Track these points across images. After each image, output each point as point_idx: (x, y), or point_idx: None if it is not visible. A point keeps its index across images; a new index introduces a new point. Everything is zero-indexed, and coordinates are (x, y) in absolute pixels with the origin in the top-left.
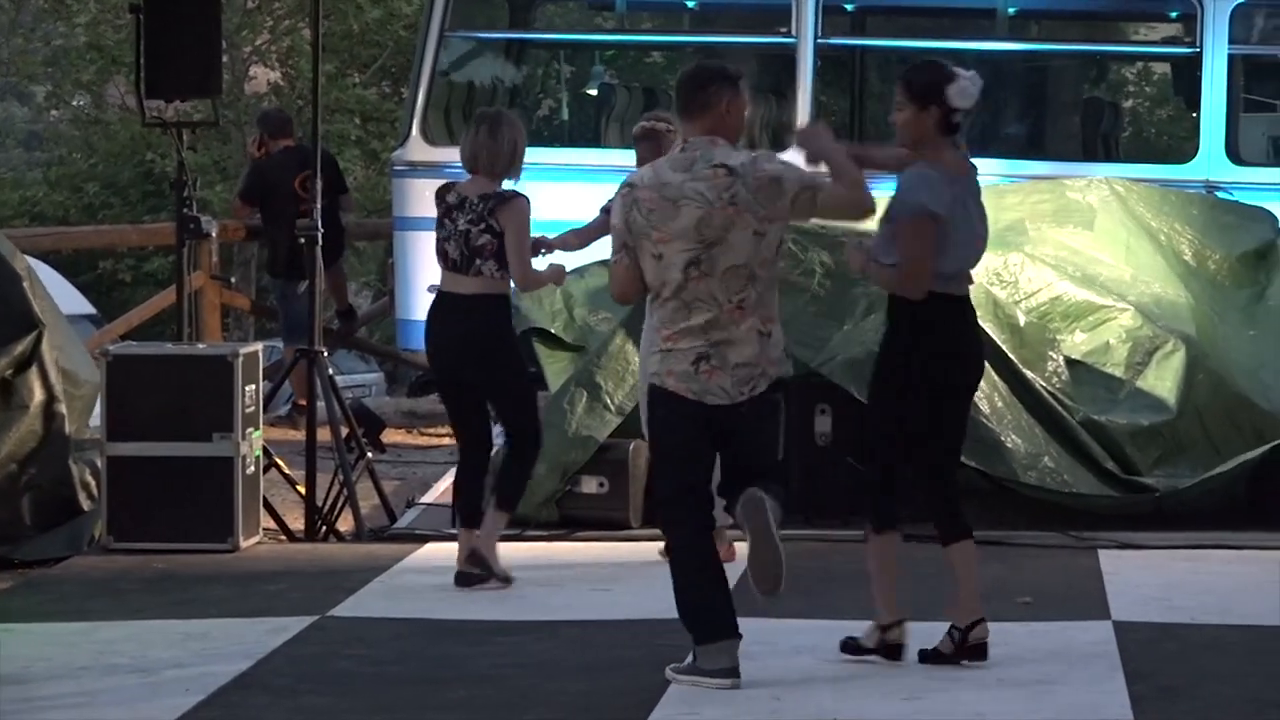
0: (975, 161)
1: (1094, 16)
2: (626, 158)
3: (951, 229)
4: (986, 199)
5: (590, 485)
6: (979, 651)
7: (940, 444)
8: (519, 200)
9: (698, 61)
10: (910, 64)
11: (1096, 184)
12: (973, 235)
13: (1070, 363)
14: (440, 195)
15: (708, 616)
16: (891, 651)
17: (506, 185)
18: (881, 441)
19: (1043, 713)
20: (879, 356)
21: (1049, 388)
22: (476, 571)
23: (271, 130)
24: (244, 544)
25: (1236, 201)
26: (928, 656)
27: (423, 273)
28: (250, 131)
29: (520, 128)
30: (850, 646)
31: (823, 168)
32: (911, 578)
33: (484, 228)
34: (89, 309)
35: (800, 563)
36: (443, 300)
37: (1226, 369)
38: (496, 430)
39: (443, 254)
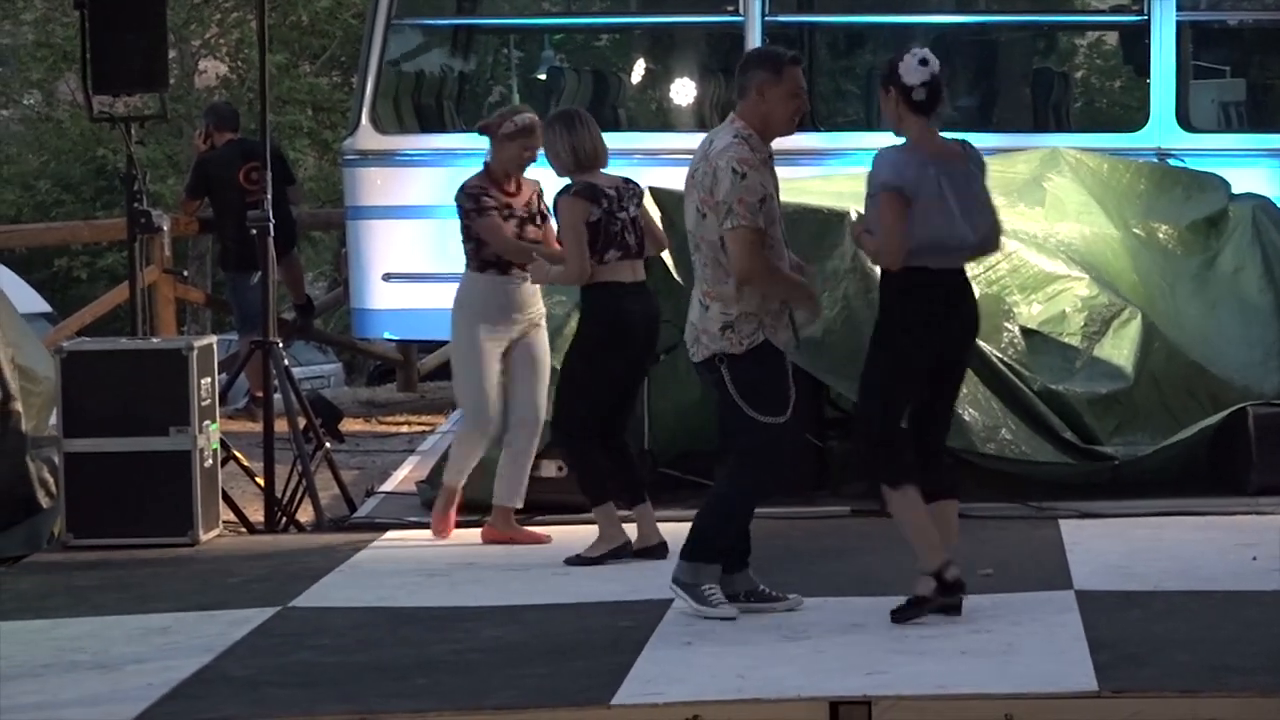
0: None
1: None
2: None
3: (922, 206)
4: None
5: (549, 469)
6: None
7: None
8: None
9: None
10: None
11: (1048, 155)
12: (950, 215)
13: (1026, 333)
14: (591, 196)
15: None
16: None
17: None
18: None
19: (1007, 683)
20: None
21: (1005, 359)
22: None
23: (217, 123)
24: (203, 537)
25: (1188, 169)
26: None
27: (376, 261)
28: (201, 124)
29: None
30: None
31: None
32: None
33: (636, 211)
34: (45, 307)
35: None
36: (629, 290)
37: (1181, 337)
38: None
39: (622, 245)
